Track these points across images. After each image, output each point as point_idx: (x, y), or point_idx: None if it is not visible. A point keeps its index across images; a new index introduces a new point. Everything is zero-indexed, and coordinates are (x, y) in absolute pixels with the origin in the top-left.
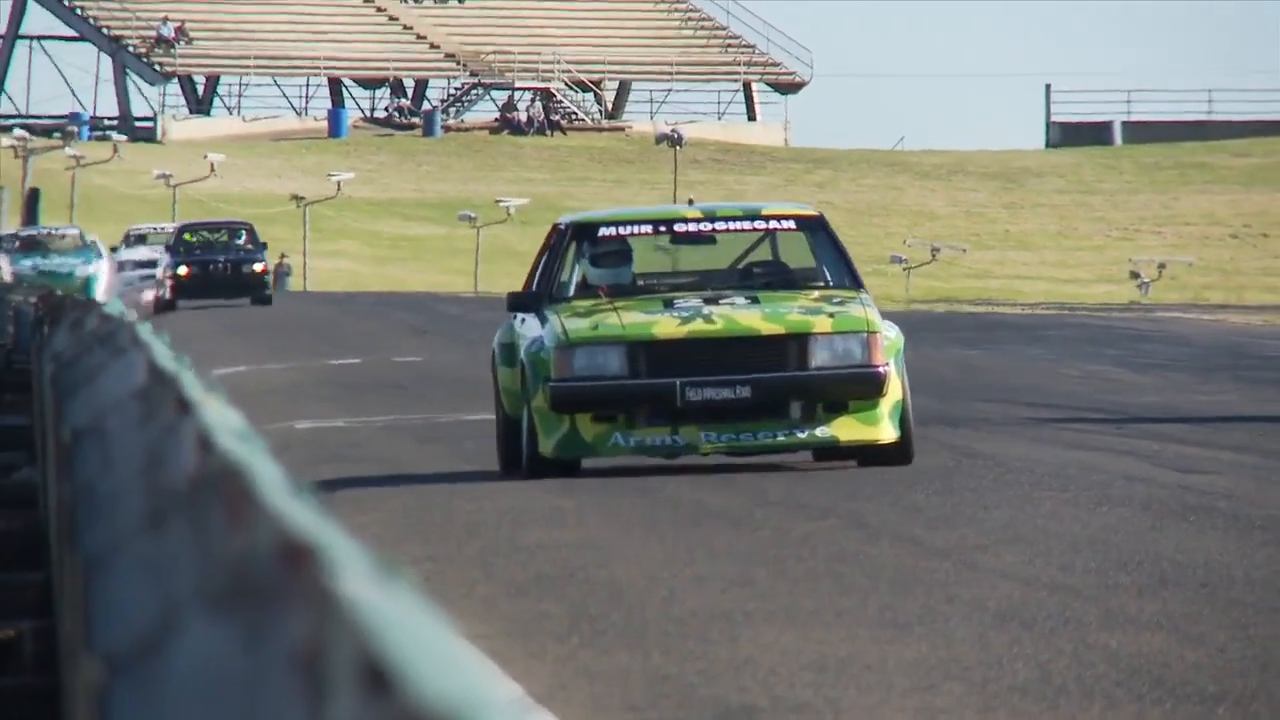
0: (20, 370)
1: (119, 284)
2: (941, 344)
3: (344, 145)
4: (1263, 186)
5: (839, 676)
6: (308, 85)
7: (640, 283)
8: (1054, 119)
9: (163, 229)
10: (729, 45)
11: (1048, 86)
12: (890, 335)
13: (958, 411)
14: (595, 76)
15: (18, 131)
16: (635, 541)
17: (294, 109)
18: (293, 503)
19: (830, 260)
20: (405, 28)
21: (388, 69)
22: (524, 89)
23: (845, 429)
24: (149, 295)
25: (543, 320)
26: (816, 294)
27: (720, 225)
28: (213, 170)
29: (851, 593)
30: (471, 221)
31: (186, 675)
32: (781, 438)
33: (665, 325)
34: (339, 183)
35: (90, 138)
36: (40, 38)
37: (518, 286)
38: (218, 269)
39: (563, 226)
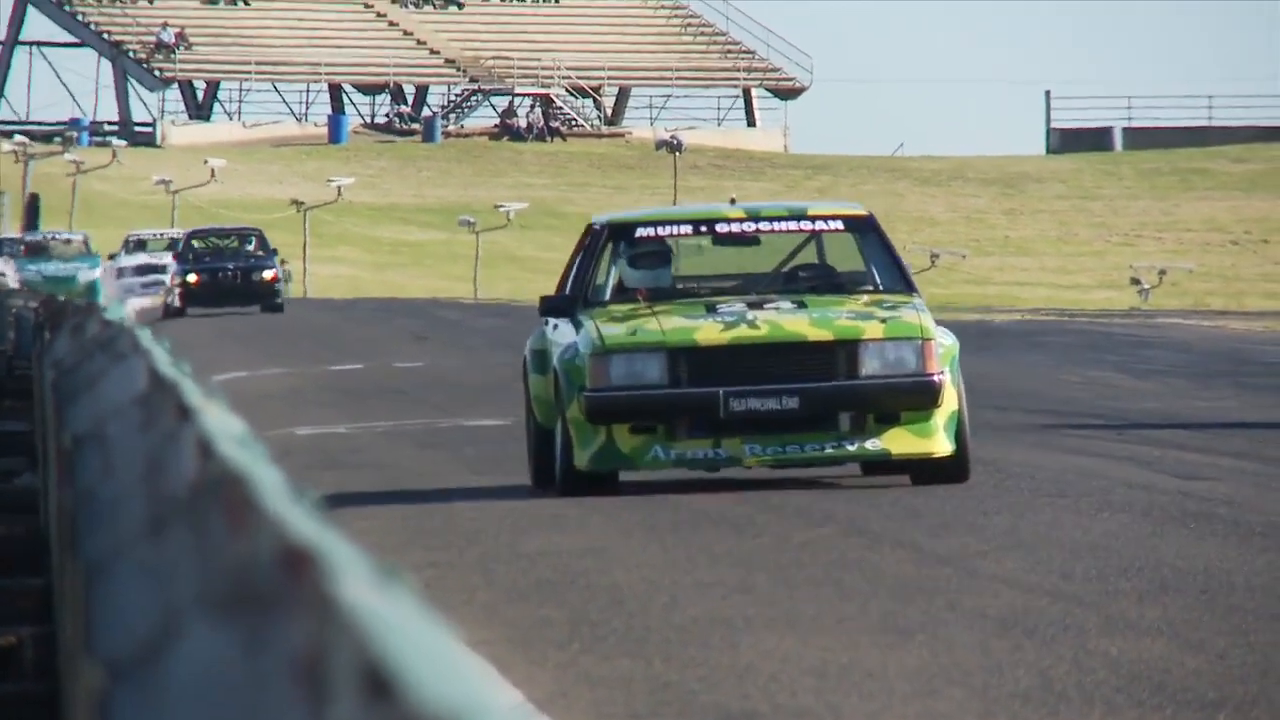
0: (21, 376)
1: (119, 290)
2: None
3: (344, 151)
4: (1263, 193)
5: (840, 683)
6: (308, 91)
7: (680, 286)
8: (1054, 125)
9: (162, 235)
10: (728, 51)
11: (1048, 92)
12: (945, 342)
13: None
14: (595, 82)
15: (18, 137)
16: (636, 547)
17: (294, 115)
18: (293, 509)
19: (881, 262)
20: (405, 33)
21: (388, 75)
22: (524, 95)
23: (898, 442)
24: (146, 301)
25: (577, 325)
26: (866, 298)
27: (764, 225)
28: (213, 176)
29: (852, 599)
30: (471, 227)
31: (187, 681)
32: (830, 451)
33: (707, 331)
34: (339, 188)
35: (90, 143)
36: (40, 44)
37: (518, 292)
38: (227, 276)
39: (598, 226)
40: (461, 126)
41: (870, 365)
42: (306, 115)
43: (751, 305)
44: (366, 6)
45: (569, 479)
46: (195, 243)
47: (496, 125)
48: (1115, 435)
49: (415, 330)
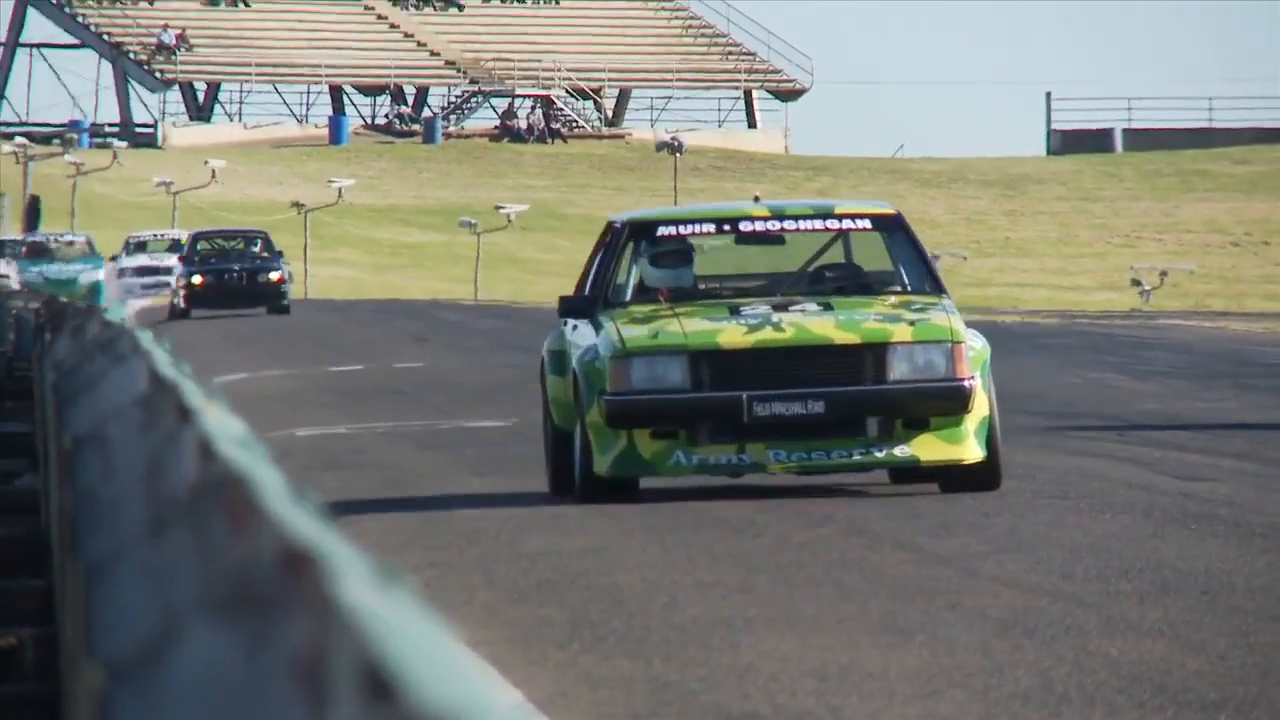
0: (22, 377)
1: (120, 290)
2: None
3: (345, 152)
4: (1264, 194)
5: (840, 684)
6: (308, 92)
7: (702, 286)
8: (1054, 126)
9: (163, 235)
10: (729, 52)
11: (1048, 94)
12: (976, 346)
13: None
14: (595, 84)
15: (18, 139)
16: (636, 548)
17: (295, 116)
18: (294, 510)
19: (909, 262)
20: (406, 35)
21: (388, 76)
22: (524, 96)
23: (927, 448)
24: (147, 302)
25: (597, 327)
26: (894, 300)
27: (789, 224)
28: (213, 177)
29: (853, 599)
30: (472, 228)
31: (188, 682)
32: (857, 457)
33: (731, 334)
34: (340, 190)
35: (91, 145)
36: (41, 45)
37: (519, 293)
38: (233, 278)
39: (618, 225)
40: (462, 128)
41: (899, 369)
42: (307, 117)
43: (776, 307)
44: (367, 8)
45: (588, 485)
46: (200, 244)
47: (497, 127)
48: (1116, 436)
49: (416, 332)
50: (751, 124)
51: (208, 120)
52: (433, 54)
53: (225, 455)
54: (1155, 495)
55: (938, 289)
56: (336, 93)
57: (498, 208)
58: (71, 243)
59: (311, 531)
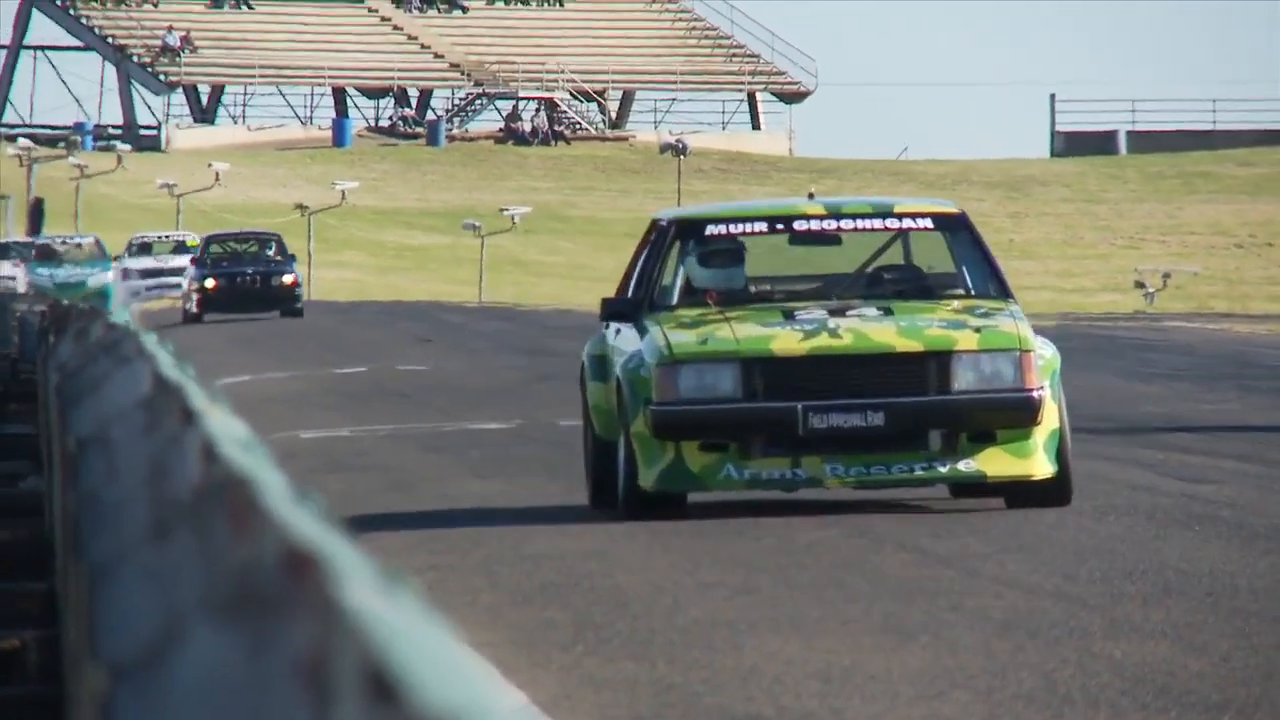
0: (26, 380)
1: (125, 292)
2: None
3: (348, 155)
4: (1268, 196)
5: (844, 685)
6: (312, 95)
7: (753, 289)
8: (1058, 128)
9: (167, 237)
10: (733, 55)
11: (1052, 96)
12: (1045, 354)
13: None
14: (599, 86)
15: (22, 141)
16: (639, 549)
17: (298, 118)
18: (297, 512)
19: (973, 264)
20: (410, 37)
21: (392, 79)
22: (528, 99)
23: (994, 463)
24: (153, 304)
25: (642, 331)
26: (958, 304)
27: (846, 223)
28: (217, 179)
29: (856, 601)
30: (476, 231)
31: (191, 684)
32: (919, 472)
33: (785, 340)
34: (343, 192)
35: (94, 147)
36: (45, 48)
37: (523, 296)
38: (246, 281)
39: (664, 223)
40: (466, 130)
41: (964, 379)
42: (311, 119)
43: (833, 312)
44: (370, 11)
45: (633, 500)
46: (213, 247)
47: (501, 129)
48: (1119, 439)
49: (419, 334)
50: (755, 126)
51: (211, 122)
52: (436, 56)
53: (228, 457)
54: (1158, 497)
55: (1004, 293)
56: (340, 95)
57: (502, 210)
58: (80, 245)
59: (314, 534)
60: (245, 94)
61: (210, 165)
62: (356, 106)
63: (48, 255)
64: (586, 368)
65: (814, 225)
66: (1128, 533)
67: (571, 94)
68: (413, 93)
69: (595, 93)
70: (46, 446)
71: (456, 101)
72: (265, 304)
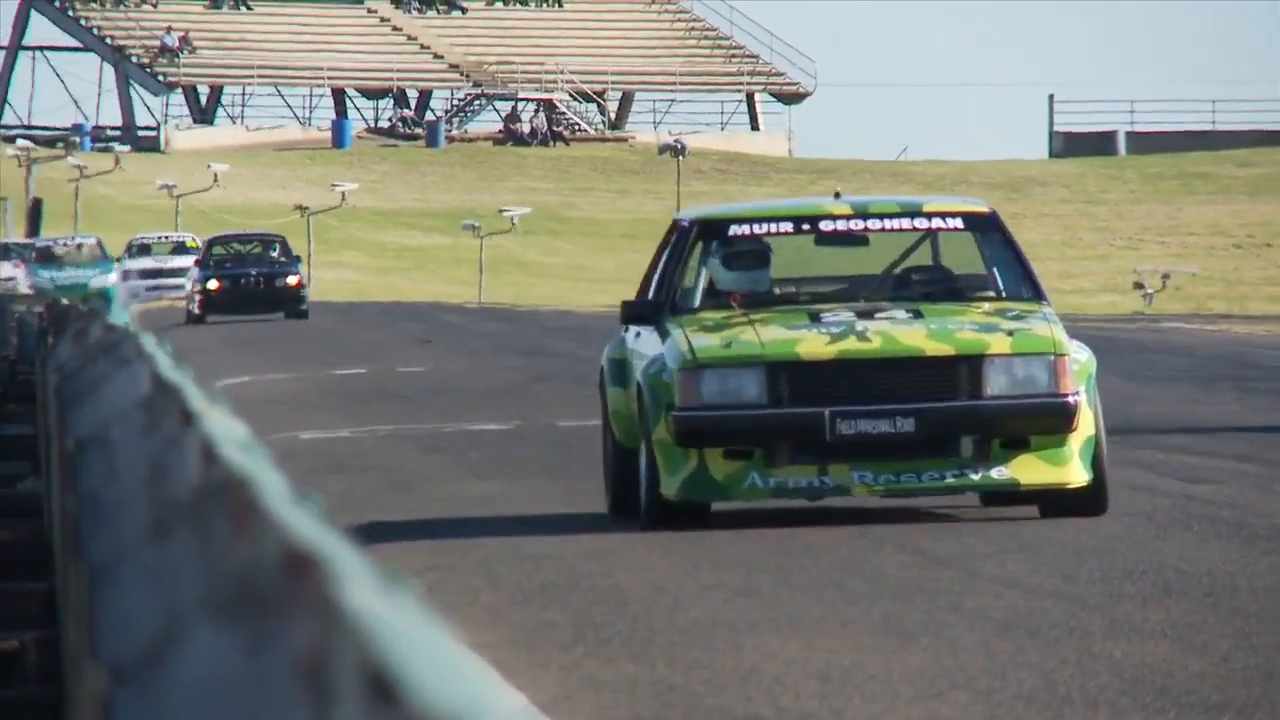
0: (25, 381)
1: (124, 293)
2: None
3: (348, 155)
4: (1267, 196)
5: (844, 686)
6: (311, 95)
7: (778, 291)
8: (1057, 129)
9: (167, 238)
10: (732, 55)
11: (1051, 96)
12: (1080, 358)
13: None
14: (598, 87)
15: (21, 142)
16: (639, 550)
17: (298, 119)
18: (296, 513)
19: (1005, 265)
20: (409, 38)
21: (391, 79)
22: (527, 99)
23: (1027, 470)
24: (146, 306)
25: (663, 335)
26: (989, 306)
27: (874, 223)
28: (216, 180)
29: (856, 602)
30: (475, 231)
31: (191, 685)
32: (950, 480)
33: (812, 343)
34: (343, 193)
35: (93, 148)
36: (44, 48)
37: (522, 296)
38: (249, 283)
39: (685, 223)
40: (465, 131)
41: (996, 384)
42: (310, 120)
43: (861, 314)
44: (370, 11)
45: (655, 509)
46: (216, 249)
47: (500, 130)
48: (1119, 439)
49: (419, 334)
50: (754, 127)
51: (210, 123)
52: (436, 57)
53: (228, 458)
54: (1158, 497)
55: (1037, 295)
56: (339, 96)
57: (501, 211)
58: (81, 246)
59: (314, 534)
60: (244, 95)
61: (209, 166)
62: (356, 107)
63: (49, 257)
64: (606, 372)
65: (840, 225)
66: (1127, 533)
67: (571, 95)
68: (412, 94)
69: (594, 93)
70: (45, 447)
71: (456, 102)
72: (269, 305)
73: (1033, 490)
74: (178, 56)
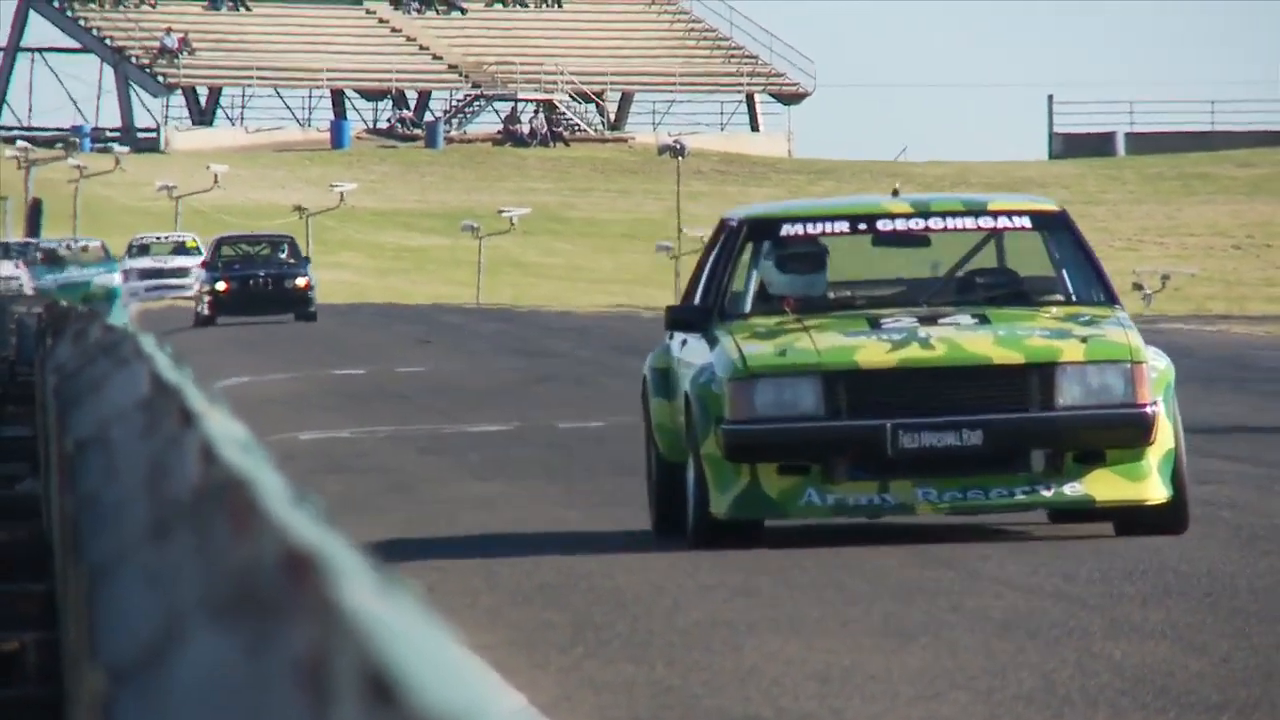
0: (24, 382)
1: (125, 294)
2: None
3: (347, 156)
4: (1266, 197)
5: (843, 686)
6: (310, 96)
7: (832, 295)
8: (1056, 130)
9: (167, 239)
10: (731, 56)
11: (1050, 97)
12: (1159, 366)
13: None
14: (598, 88)
15: (20, 143)
16: (639, 551)
17: (297, 120)
18: (296, 513)
19: (1075, 267)
20: (408, 39)
21: (390, 80)
22: (527, 100)
23: (1103, 486)
24: (146, 306)
25: (712, 342)
26: (1059, 311)
27: (935, 223)
28: (216, 181)
29: (855, 602)
30: (474, 232)
31: (191, 686)
32: (1021, 497)
33: (872, 351)
34: (342, 194)
35: (93, 149)
36: (43, 49)
37: (521, 297)
38: (258, 284)
39: (734, 223)
40: (464, 132)
41: (1069, 394)
42: (309, 121)
43: (923, 320)
44: (369, 12)
45: (704, 529)
46: (224, 249)
47: (499, 130)
48: None
49: (418, 335)
50: (754, 127)
51: (210, 124)
52: (435, 58)
53: (227, 459)
54: None
55: (1110, 299)
56: (338, 97)
57: (500, 211)
58: (85, 247)
59: (314, 535)
60: (243, 96)
61: (209, 167)
62: (355, 108)
63: (54, 259)
64: (649, 382)
65: (900, 225)
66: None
67: (570, 95)
68: (411, 94)
69: (594, 94)
70: (44, 448)
71: (455, 103)
72: (278, 307)
73: (1108, 507)
74: (177, 58)
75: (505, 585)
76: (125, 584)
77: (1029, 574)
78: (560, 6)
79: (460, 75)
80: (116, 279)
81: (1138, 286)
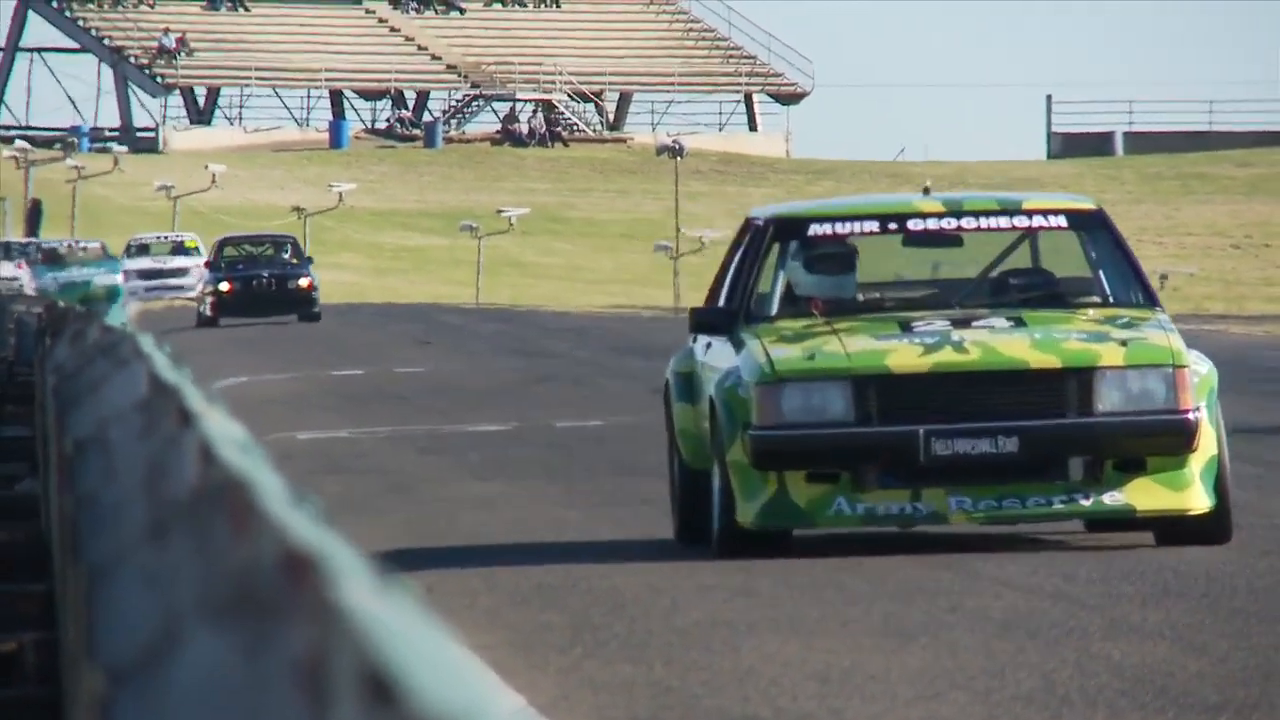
0: (23, 382)
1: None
2: None
3: (345, 156)
4: (1264, 197)
5: (842, 686)
6: (309, 96)
7: (862, 297)
8: (1055, 129)
9: (165, 239)
10: (730, 56)
11: (1049, 97)
12: (1201, 370)
13: None
14: (596, 88)
15: (19, 143)
16: (638, 551)
17: (295, 120)
18: (295, 514)
19: (1113, 267)
20: (406, 39)
21: (389, 80)
22: (525, 100)
23: (1144, 495)
24: (146, 305)
25: (738, 345)
26: (1097, 313)
27: (968, 222)
28: (214, 181)
29: (855, 602)
30: (473, 232)
31: (189, 686)
32: (1058, 506)
33: (903, 355)
34: (340, 194)
35: (91, 149)
36: (41, 49)
37: (520, 297)
38: (261, 284)
39: (760, 222)
40: (463, 132)
41: (1109, 399)
42: (308, 121)
43: (956, 323)
44: (368, 12)
45: (729, 538)
46: (227, 250)
47: (498, 130)
48: None
49: (417, 335)
50: (752, 127)
51: (208, 124)
52: (433, 58)
53: (226, 459)
54: None
55: (1150, 300)
56: (337, 97)
57: (499, 211)
58: (86, 248)
59: (312, 535)
60: (242, 96)
61: (207, 167)
62: (353, 108)
63: (55, 259)
64: (672, 386)
65: (931, 224)
66: (1126, 533)
67: (569, 95)
68: (410, 94)
69: (592, 94)
70: (43, 448)
71: (453, 103)
72: (282, 307)
73: (1149, 517)
74: (175, 58)
75: (504, 586)
76: (124, 584)
77: (1028, 574)
78: (559, 7)
79: (459, 75)
80: (118, 278)
81: None
